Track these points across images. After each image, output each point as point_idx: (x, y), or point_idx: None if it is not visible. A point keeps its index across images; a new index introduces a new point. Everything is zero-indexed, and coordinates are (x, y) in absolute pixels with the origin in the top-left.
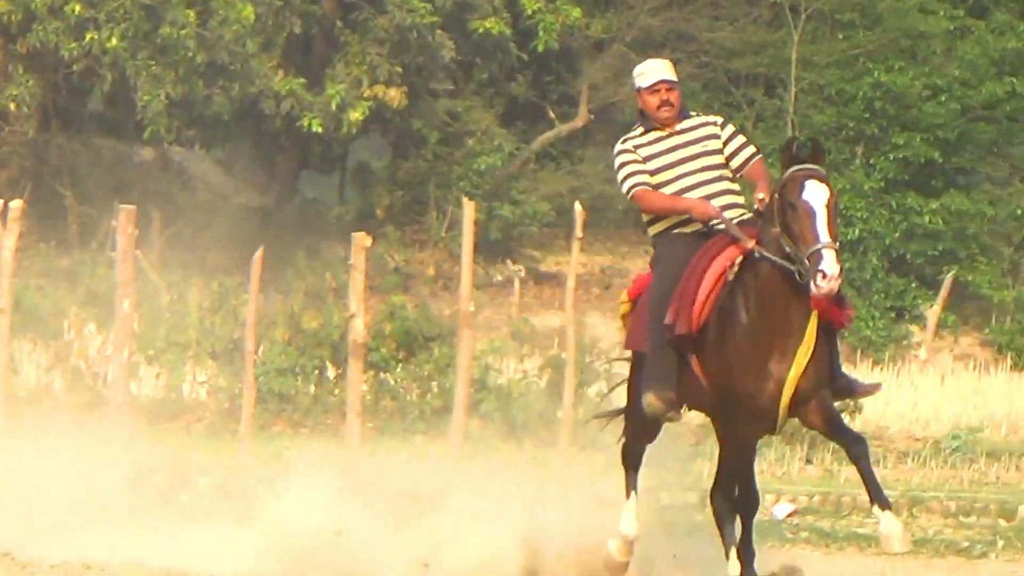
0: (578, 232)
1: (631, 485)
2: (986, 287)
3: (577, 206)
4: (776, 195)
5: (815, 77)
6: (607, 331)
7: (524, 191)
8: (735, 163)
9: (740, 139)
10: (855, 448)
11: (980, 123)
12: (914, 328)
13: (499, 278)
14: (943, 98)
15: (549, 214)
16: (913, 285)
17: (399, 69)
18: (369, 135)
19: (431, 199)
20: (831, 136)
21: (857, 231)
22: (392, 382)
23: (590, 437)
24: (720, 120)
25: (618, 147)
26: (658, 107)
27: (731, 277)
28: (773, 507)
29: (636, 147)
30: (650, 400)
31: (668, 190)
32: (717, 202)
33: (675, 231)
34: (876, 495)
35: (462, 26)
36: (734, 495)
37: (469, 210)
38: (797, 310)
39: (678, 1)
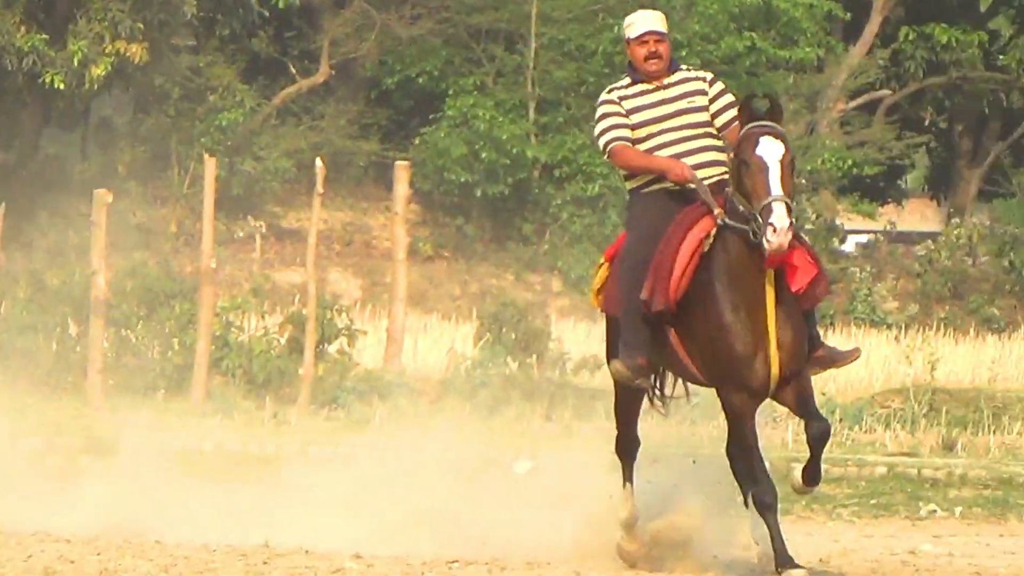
0: (319, 188)
1: (626, 476)
2: None
3: (318, 162)
4: (733, 154)
5: (555, 32)
6: (348, 287)
7: (266, 147)
8: (719, 122)
9: (727, 98)
10: (816, 426)
11: (721, 77)
12: None
13: (241, 234)
14: (684, 52)
15: (291, 170)
16: None
17: (141, 25)
18: (112, 91)
19: (173, 155)
20: (572, 91)
21: (597, 187)
22: (134, 339)
23: (330, 394)
24: (710, 77)
25: (602, 97)
26: (645, 58)
27: (706, 249)
28: (515, 464)
29: (621, 98)
30: (616, 367)
31: (649, 144)
32: (698, 159)
33: (652, 187)
34: (813, 472)
35: None
36: (761, 479)
37: (210, 166)
38: (761, 278)
39: None
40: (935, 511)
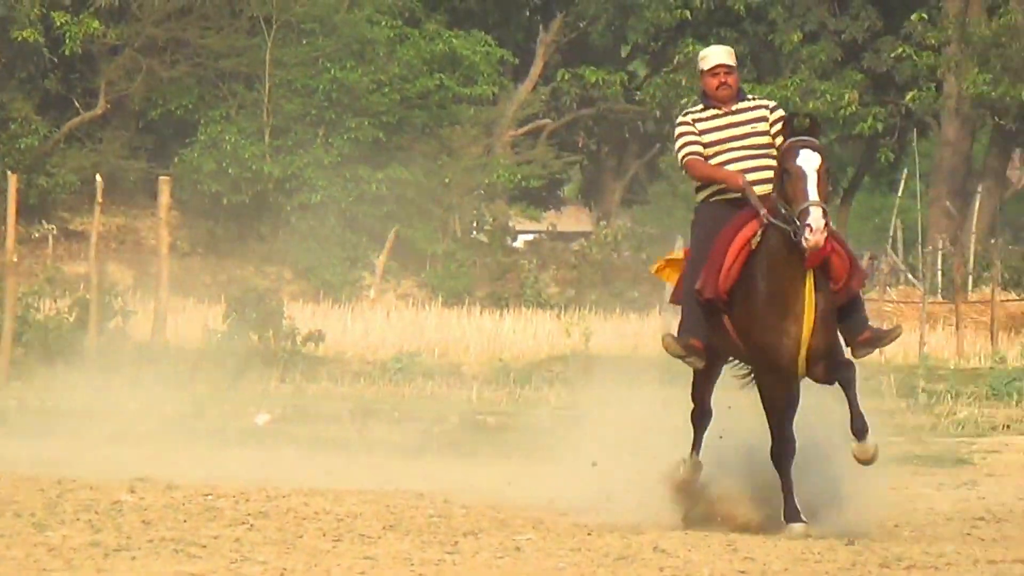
0: (99, 198)
1: (696, 444)
2: (421, 241)
3: (98, 178)
4: (777, 164)
5: (285, 74)
6: (122, 277)
7: (56, 165)
8: (778, 141)
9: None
10: (840, 374)
11: (415, 110)
12: (365, 274)
13: (37, 235)
14: (386, 90)
15: (76, 184)
16: (364, 239)
17: None
18: None
19: None
20: (299, 121)
21: (319, 196)
22: None
23: (111, 360)
24: (772, 104)
25: (679, 119)
26: (717, 88)
27: (754, 246)
28: (256, 417)
29: (695, 120)
30: (667, 342)
31: (717, 160)
32: (758, 175)
33: (713, 199)
34: (857, 425)
35: (5, 35)
36: (784, 437)
37: (12, 181)
38: (800, 271)
39: (176, 14)
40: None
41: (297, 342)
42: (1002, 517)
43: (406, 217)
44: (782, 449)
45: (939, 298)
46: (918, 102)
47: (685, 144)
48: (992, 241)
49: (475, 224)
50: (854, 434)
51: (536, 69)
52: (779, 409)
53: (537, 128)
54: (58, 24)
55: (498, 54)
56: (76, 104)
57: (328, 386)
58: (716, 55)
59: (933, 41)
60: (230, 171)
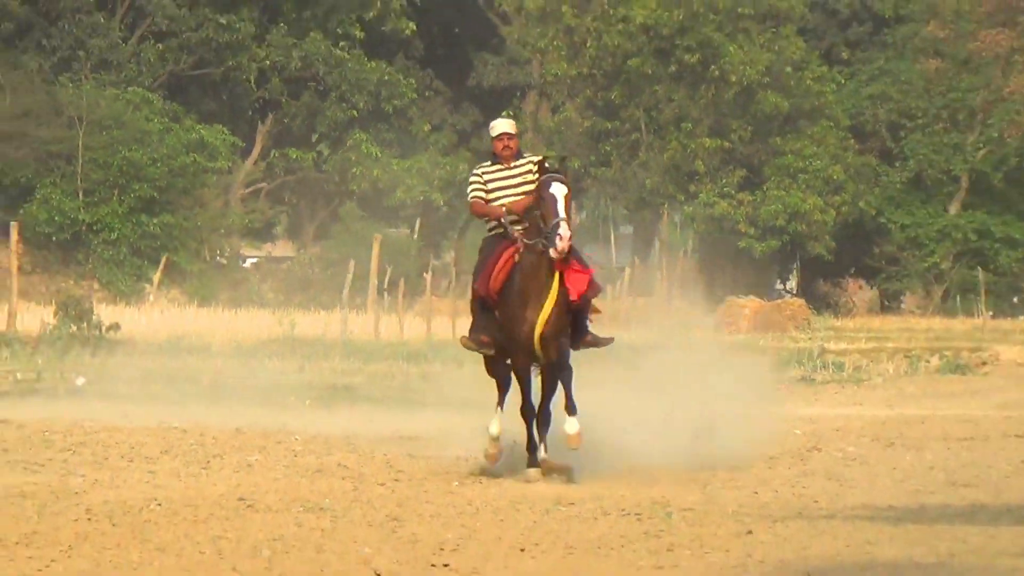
0: None
1: (500, 401)
2: (183, 263)
3: None
4: (536, 192)
5: (91, 154)
6: None
7: None
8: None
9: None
10: (561, 374)
11: (178, 177)
12: (146, 285)
13: None
14: (159, 164)
15: None
16: (145, 262)
17: None
18: None
19: None
20: (101, 184)
21: (116, 234)
22: None
23: None
24: (538, 159)
25: (473, 172)
26: (502, 149)
27: (516, 260)
28: (76, 380)
29: (484, 173)
30: (464, 341)
31: (500, 202)
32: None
33: (492, 233)
34: (569, 405)
35: None
36: (529, 404)
37: None
38: (546, 276)
39: (18, 114)
40: None
41: (102, 331)
42: None
43: (173, 248)
44: (526, 409)
45: None
46: None
47: (472, 191)
48: None
49: (218, 252)
50: (567, 411)
51: (257, 149)
52: (522, 379)
53: (257, 189)
54: None
55: (231, 140)
56: None
57: (123, 359)
58: (501, 126)
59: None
60: (56, 218)
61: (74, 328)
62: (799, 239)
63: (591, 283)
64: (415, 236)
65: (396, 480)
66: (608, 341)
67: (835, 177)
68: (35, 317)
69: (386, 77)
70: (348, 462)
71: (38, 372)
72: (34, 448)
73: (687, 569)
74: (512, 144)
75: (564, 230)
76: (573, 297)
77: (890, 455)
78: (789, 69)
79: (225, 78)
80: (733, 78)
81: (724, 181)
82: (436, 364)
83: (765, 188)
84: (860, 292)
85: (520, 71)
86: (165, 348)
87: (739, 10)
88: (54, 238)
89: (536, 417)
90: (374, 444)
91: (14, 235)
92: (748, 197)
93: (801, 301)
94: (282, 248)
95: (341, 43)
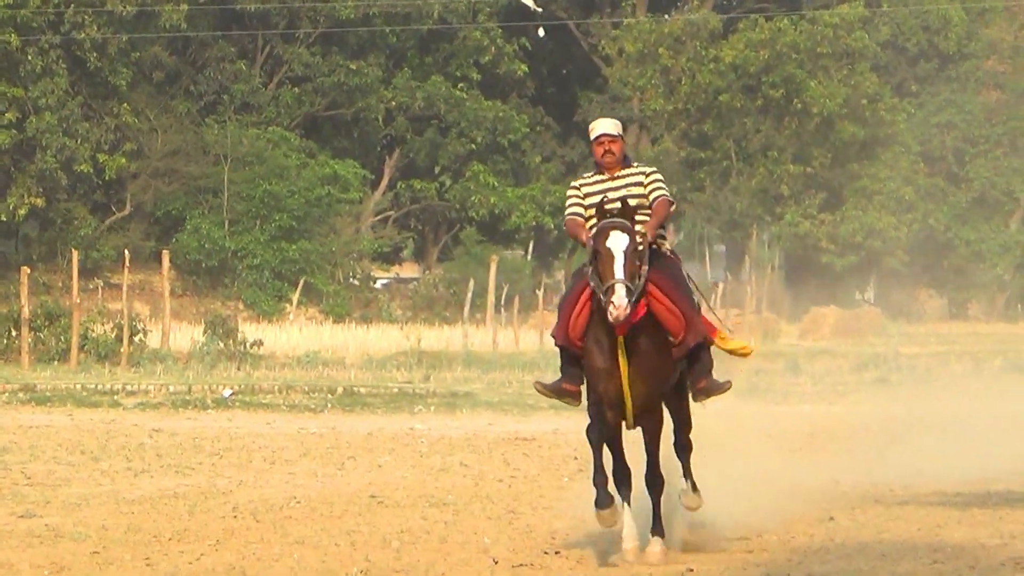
0: (126, 264)
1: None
2: (320, 285)
3: (126, 252)
4: (592, 245)
5: (236, 187)
6: (142, 310)
7: (101, 245)
8: (651, 199)
9: (657, 184)
10: (652, 485)
11: (314, 208)
12: (286, 304)
13: (91, 287)
14: (296, 196)
15: (113, 255)
16: (285, 284)
17: None
18: None
19: None
20: (245, 215)
21: (258, 260)
22: None
23: (137, 361)
24: (649, 170)
25: (571, 184)
26: (602, 155)
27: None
28: (224, 391)
29: (581, 185)
30: (537, 387)
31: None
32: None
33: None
34: (656, 524)
35: (70, 168)
36: (621, 465)
37: (74, 256)
38: (614, 341)
39: (169, 152)
40: None
41: (247, 347)
42: None
43: (310, 271)
44: (650, 483)
45: None
46: None
47: (569, 207)
48: None
49: (351, 274)
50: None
51: (385, 181)
52: (613, 440)
53: (386, 216)
54: (101, 161)
55: (361, 173)
56: (112, 208)
57: (266, 372)
58: (601, 126)
59: None
60: (205, 246)
61: (221, 345)
62: (875, 254)
63: (690, 326)
64: (528, 257)
65: (512, 477)
66: (725, 387)
67: (907, 198)
68: (186, 335)
69: (501, 114)
70: (469, 461)
71: (189, 385)
72: (186, 453)
73: (775, 553)
74: (615, 148)
75: (620, 296)
76: (676, 343)
77: (957, 446)
78: (864, 101)
79: (355, 118)
80: (814, 110)
81: (807, 203)
82: (548, 372)
83: (844, 209)
84: (931, 300)
85: (622, 107)
86: (303, 361)
87: (818, 49)
88: (203, 264)
89: (651, 487)
90: (492, 445)
91: (166, 262)
92: (829, 217)
93: (877, 309)
94: (408, 269)
95: (460, 84)
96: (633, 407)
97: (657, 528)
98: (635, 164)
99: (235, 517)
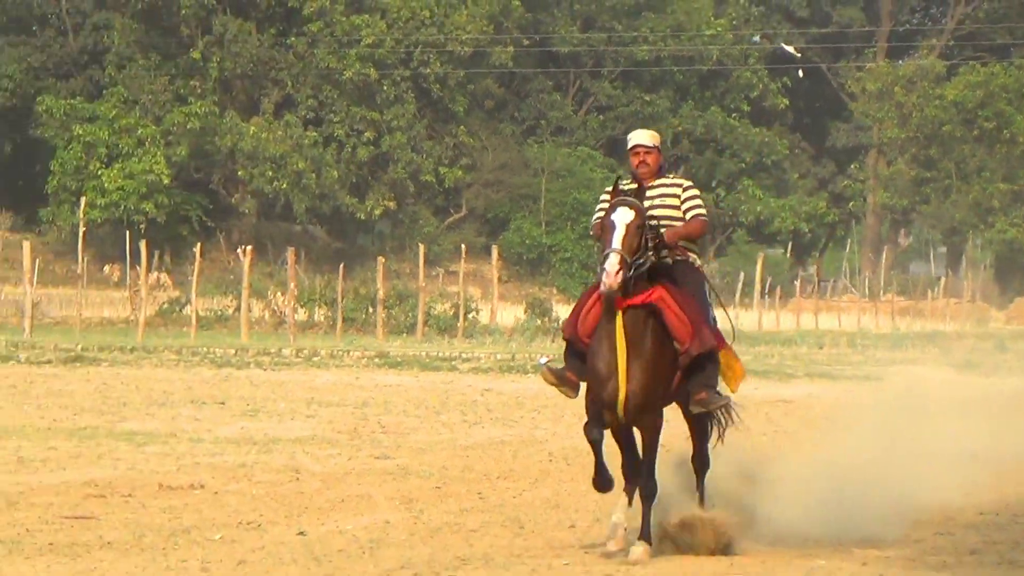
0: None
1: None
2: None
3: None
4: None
5: None
6: (475, 294)
7: None
8: (687, 216)
9: (694, 201)
10: (644, 490)
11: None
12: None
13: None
14: None
15: None
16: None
17: None
18: None
19: None
20: None
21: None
22: None
23: (470, 333)
24: (687, 184)
25: (605, 190)
26: (637, 165)
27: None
28: (540, 359)
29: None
30: (543, 372)
31: None
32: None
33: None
34: (644, 529)
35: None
36: (628, 458)
37: None
38: (613, 323)
39: None
40: None
41: (559, 324)
42: None
43: None
44: (644, 489)
45: None
46: None
47: (597, 211)
48: None
49: None
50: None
51: None
52: (620, 441)
53: None
54: (442, 172)
55: None
56: (451, 211)
57: None
58: (637, 137)
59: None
60: (526, 242)
61: (539, 322)
62: None
63: (697, 334)
64: (787, 255)
65: (775, 431)
66: (722, 402)
67: None
68: (510, 314)
69: (766, 139)
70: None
71: (512, 354)
72: (510, 409)
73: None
74: (650, 160)
75: (612, 264)
76: (682, 349)
77: None
78: None
79: None
80: (1020, 139)
81: (1014, 214)
82: (803, 347)
83: None
84: None
85: (864, 134)
86: None
87: None
88: (524, 256)
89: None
90: (758, 405)
91: (495, 254)
92: None
93: None
94: None
95: (733, 114)
96: (626, 403)
97: (644, 534)
98: (669, 175)
99: (550, 461)
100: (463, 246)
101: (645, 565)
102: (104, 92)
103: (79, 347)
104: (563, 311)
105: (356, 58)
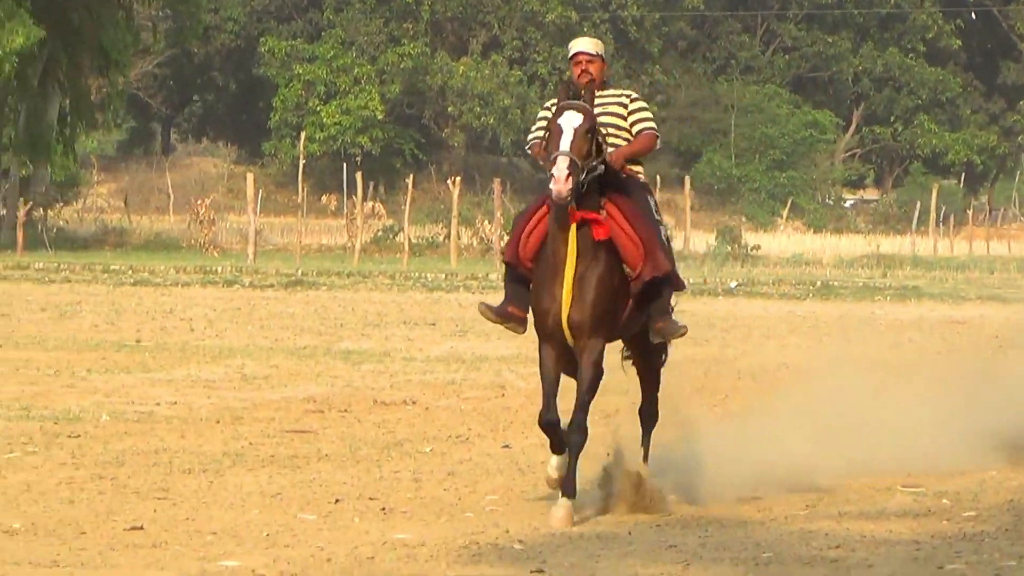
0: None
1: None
2: (803, 203)
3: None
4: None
5: None
6: None
7: None
8: (634, 130)
9: (642, 113)
10: (572, 435)
11: (800, 147)
12: (776, 218)
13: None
14: (785, 138)
15: None
16: (772, 201)
17: None
18: None
19: None
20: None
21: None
22: None
23: None
24: (634, 95)
25: (544, 106)
26: (579, 75)
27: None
28: (730, 283)
29: (552, 107)
30: (481, 309)
31: None
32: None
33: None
34: (567, 484)
35: None
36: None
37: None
38: (565, 239)
39: None
40: None
41: (748, 250)
42: None
43: (795, 193)
44: (570, 433)
45: None
46: None
47: (534, 129)
48: None
49: (827, 196)
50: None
51: (852, 126)
52: (547, 382)
53: (853, 153)
54: None
55: (835, 120)
56: None
57: (762, 269)
58: (578, 44)
59: None
60: (716, 173)
61: (729, 248)
62: None
63: (650, 257)
64: (960, 185)
65: (949, 350)
66: (682, 331)
67: None
68: (702, 241)
69: (940, 78)
70: (916, 338)
71: (704, 278)
72: (701, 329)
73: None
74: (593, 69)
75: (560, 168)
76: (633, 274)
77: None
78: None
79: (831, 79)
80: None
81: None
82: (975, 272)
83: None
84: None
85: None
86: (791, 261)
87: None
88: (715, 187)
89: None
90: (933, 326)
91: (687, 185)
92: None
93: None
94: (870, 193)
95: (910, 54)
96: (572, 320)
97: (569, 488)
98: (613, 87)
99: (739, 378)
100: (658, 176)
101: (566, 527)
102: (323, 34)
103: (299, 272)
104: (751, 238)
105: (558, 2)
